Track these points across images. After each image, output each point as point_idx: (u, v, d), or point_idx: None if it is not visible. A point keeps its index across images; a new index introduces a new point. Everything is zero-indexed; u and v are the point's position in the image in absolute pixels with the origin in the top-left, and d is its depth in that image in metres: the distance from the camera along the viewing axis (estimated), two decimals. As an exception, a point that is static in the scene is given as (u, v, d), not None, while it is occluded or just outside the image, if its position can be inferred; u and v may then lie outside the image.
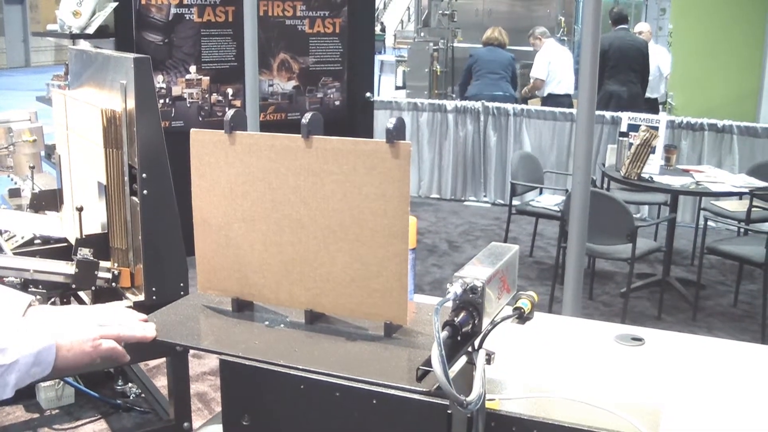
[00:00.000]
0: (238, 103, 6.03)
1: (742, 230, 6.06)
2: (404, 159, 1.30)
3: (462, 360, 1.09)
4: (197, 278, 1.53)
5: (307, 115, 1.39)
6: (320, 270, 1.40)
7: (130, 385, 3.72)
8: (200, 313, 1.50)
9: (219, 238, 1.47)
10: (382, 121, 8.21)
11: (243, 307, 1.49)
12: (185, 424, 2.98)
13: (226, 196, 1.45)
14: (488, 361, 1.08)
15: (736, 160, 7.21)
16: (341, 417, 1.17)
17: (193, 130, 1.48)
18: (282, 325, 1.42)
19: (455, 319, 1.06)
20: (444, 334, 1.04)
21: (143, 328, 1.39)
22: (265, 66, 6.13)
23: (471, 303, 1.09)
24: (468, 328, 1.08)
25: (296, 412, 1.23)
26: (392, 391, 1.15)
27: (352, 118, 6.79)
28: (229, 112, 1.44)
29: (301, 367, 1.24)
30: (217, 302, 1.52)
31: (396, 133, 1.31)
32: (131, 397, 3.68)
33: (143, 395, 3.63)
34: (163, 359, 3.44)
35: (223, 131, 1.43)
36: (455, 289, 1.09)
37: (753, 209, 5.83)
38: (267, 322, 1.43)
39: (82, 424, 3.51)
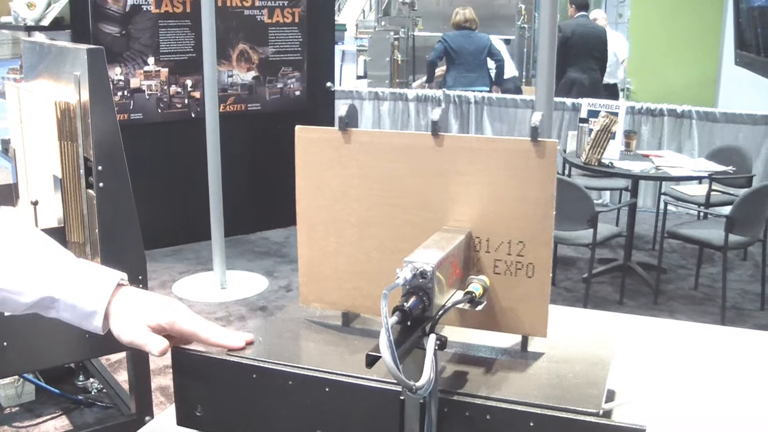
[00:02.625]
0: (197, 94, 5.99)
1: (701, 214, 6.13)
2: (550, 159, 1.21)
3: (414, 345, 1.08)
4: (299, 290, 1.40)
5: (437, 111, 1.27)
6: None
7: (91, 380, 3.69)
8: (305, 329, 1.37)
9: (327, 245, 1.36)
10: (344, 110, 8.18)
11: (352, 321, 1.39)
12: (147, 418, 2.97)
13: (337, 199, 1.34)
14: (441, 347, 1.06)
15: (695, 145, 7.29)
16: (294, 405, 1.15)
17: (298, 127, 1.35)
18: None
19: (405, 304, 1.05)
20: (393, 319, 1.03)
21: (231, 336, 1.25)
22: (224, 57, 6.09)
23: (421, 288, 1.08)
24: (419, 313, 1.07)
25: (249, 402, 1.21)
26: (345, 379, 1.14)
27: (313, 108, 6.78)
28: (343, 107, 1.33)
29: (253, 357, 1.21)
30: (319, 316, 1.41)
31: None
32: (93, 393, 3.66)
33: (105, 390, 3.61)
34: (124, 353, 3.41)
35: (333, 128, 1.33)
36: (405, 274, 1.08)
37: (712, 193, 5.91)
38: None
39: (43, 421, 3.48)
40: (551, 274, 1.25)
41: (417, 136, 1.28)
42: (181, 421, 1.27)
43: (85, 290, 1.24)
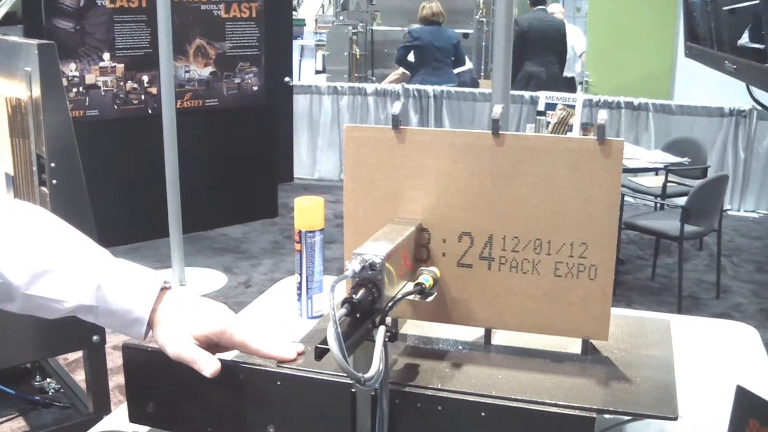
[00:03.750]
0: (154, 90, 5.92)
1: (658, 205, 6.20)
2: (616, 158, 1.19)
3: (363, 337, 1.08)
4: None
5: (497, 109, 1.24)
6: (507, 283, 1.27)
7: (48, 380, 3.65)
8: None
9: None
10: (303, 105, 8.19)
11: (401, 329, 1.36)
12: (105, 417, 2.93)
13: (388, 201, 1.29)
14: (391, 339, 1.07)
15: (651, 137, 7.37)
16: (246, 400, 1.14)
17: (348, 126, 1.31)
18: (461, 348, 1.30)
19: (354, 296, 1.05)
20: (341, 311, 1.03)
21: (283, 348, 1.19)
22: (180, 52, 6.03)
23: (370, 280, 1.07)
24: (368, 305, 1.07)
25: (201, 397, 1.19)
26: (296, 372, 1.13)
27: (271, 103, 6.74)
28: (396, 105, 1.28)
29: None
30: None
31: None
32: (50, 393, 3.61)
33: (62, 390, 3.57)
34: (81, 352, 3.37)
35: (386, 127, 1.28)
36: (353, 266, 1.07)
37: (668, 184, 5.98)
38: (440, 345, 1.31)
39: (-2, 423, 3.42)
40: (613, 276, 1.24)
41: (477, 135, 1.25)
42: (133, 418, 1.24)
43: (128, 297, 1.17)
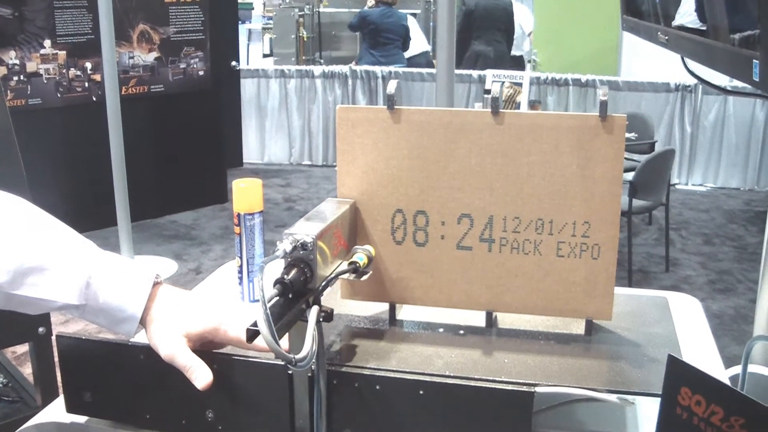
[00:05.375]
0: (98, 77, 5.79)
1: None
2: (619, 135, 1.17)
3: (296, 318, 1.05)
4: (340, 284, 1.31)
5: (496, 86, 1.23)
6: (508, 264, 1.24)
7: (-6, 375, 3.56)
8: (348, 326, 1.30)
9: (373, 233, 1.28)
10: (250, 89, 8.10)
11: (398, 314, 1.32)
12: (43, 409, 2.88)
13: (384, 183, 1.26)
14: (326, 319, 1.05)
15: (599, 114, 7.42)
16: (183, 385, 1.10)
17: (341, 107, 1.27)
18: (462, 332, 1.27)
19: (285, 277, 1.02)
20: (272, 292, 1.00)
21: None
22: (123, 38, 5.90)
23: (302, 260, 1.05)
24: (300, 285, 1.04)
25: (138, 384, 1.18)
26: (233, 355, 1.13)
27: (218, 88, 6.65)
28: (392, 84, 1.25)
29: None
30: (362, 309, 1.34)
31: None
32: (-3, 387, 3.53)
33: (10, 384, 3.50)
34: (28, 345, 3.30)
35: (380, 107, 1.24)
36: (284, 246, 1.05)
37: (617, 160, 6.01)
38: (441, 330, 1.28)
39: (-56, 420, 3.33)
40: (616, 255, 1.23)
41: (475, 114, 1.22)
42: (70, 408, 1.22)
43: (119, 295, 1.12)
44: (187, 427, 1.18)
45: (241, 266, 1.60)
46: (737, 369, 1.07)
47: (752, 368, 1.12)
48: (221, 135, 6.90)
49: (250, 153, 8.29)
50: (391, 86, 1.24)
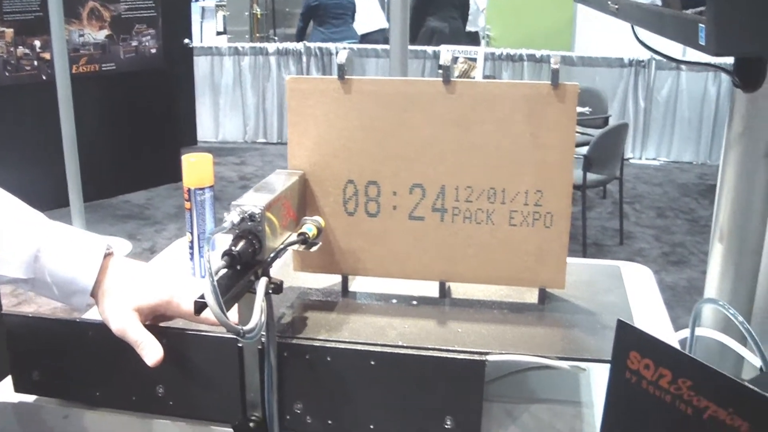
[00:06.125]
0: (47, 55, 5.68)
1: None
2: (570, 103, 1.17)
3: (244, 290, 1.05)
4: (293, 256, 1.30)
5: (447, 54, 1.20)
6: (461, 234, 1.23)
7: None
8: (300, 298, 1.28)
9: (325, 205, 1.26)
10: (204, 67, 8.02)
11: (351, 286, 1.31)
12: None
13: (336, 154, 1.24)
14: (275, 291, 1.04)
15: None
16: (133, 361, 1.08)
17: (291, 78, 1.24)
18: (415, 302, 1.26)
19: (233, 248, 1.02)
20: (220, 264, 0.99)
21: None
22: (73, 15, 5.79)
23: (250, 231, 1.04)
24: (249, 257, 1.03)
25: (87, 361, 1.16)
26: (183, 329, 1.12)
27: (171, 65, 6.57)
28: (342, 54, 1.22)
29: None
30: (314, 281, 1.32)
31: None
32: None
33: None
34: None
35: (331, 77, 1.22)
36: (232, 217, 1.04)
37: (572, 134, 6.05)
38: (394, 300, 1.27)
39: None
40: (570, 224, 1.23)
41: (427, 83, 1.20)
42: (18, 388, 1.20)
43: (69, 267, 1.09)
44: (138, 403, 1.17)
45: (192, 242, 1.58)
46: (687, 332, 1.08)
47: (702, 332, 1.13)
48: (174, 113, 6.82)
49: (204, 131, 8.22)
50: (342, 56, 1.22)
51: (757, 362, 1.00)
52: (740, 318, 0.97)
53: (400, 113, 1.21)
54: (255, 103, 8.24)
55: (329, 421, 1.11)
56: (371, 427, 1.09)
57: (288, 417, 1.11)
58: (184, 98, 7.31)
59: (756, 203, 1.47)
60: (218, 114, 8.29)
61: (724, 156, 1.54)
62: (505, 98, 1.18)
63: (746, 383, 0.75)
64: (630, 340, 0.86)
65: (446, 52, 1.21)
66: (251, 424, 1.09)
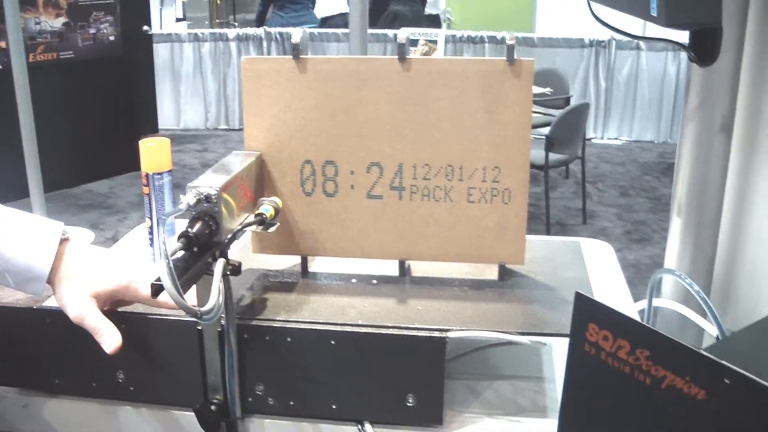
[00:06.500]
0: (2, 44, 5.60)
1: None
2: (526, 78, 1.17)
3: (201, 272, 1.04)
4: (251, 237, 1.29)
5: (404, 32, 1.19)
6: (419, 212, 1.23)
7: None
8: (260, 280, 1.27)
9: (282, 186, 1.25)
10: (164, 54, 7.94)
11: (310, 266, 1.31)
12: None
13: (292, 134, 1.22)
14: (234, 272, 1.03)
15: (514, 70, 7.48)
16: (92, 348, 1.07)
17: (246, 59, 1.23)
18: (375, 282, 1.26)
19: (190, 230, 1.01)
20: (176, 246, 0.99)
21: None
22: (29, 2, 5.70)
23: (207, 213, 1.04)
24: (206, 239, 1.03)
25: (45, 349, 1.16)
26: (141, 314, 1.12)
27: (130, 53, 6.50)
28: (297, 33, 1.20)
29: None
30: (274, 263, 1.31)
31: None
32: None
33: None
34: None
35: (286, 57, 1.21)
36: (188, 199, 1.03)
37: (533, 115, 6.06)
38: (354, 280, 1.26)
39: None
40: (528, 201, 1.23)
41: (382, 62, 1.20)
42: None
43: (25, 254, 1.07)
44: (98, 390, 1.16)
45: (151, 227, 1.57)
46: (645, 303, 1.09)
47: (660, 302, 1.15)
48: (135, 101, 6.75)
49: (165, 119, 8.14)
50: (296, 35, 1.21)
51: (714, 331, 1.01)
52: (696, 287, 0.97)
53: (356, 92, 1.20)
54: (216, 90, 8.18)
55: (291, 402, 1.10)
56: (333, 406, 1.09)
57: (250, 399, 1.11)
58: (144, 86, 7.23)
59: (713, 177, 1.49)
60: (179, 101, 8.22)
61: (682, 131, 1.55)
62: (461, 75, 1.18)
63: (702, 351, 0.76)
64: (588, 313, 0.87)
65: (403, 30, 1.20)
66: (213, 407, 1.09)
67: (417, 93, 1.19)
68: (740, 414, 0.73)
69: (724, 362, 0.73)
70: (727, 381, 0.74)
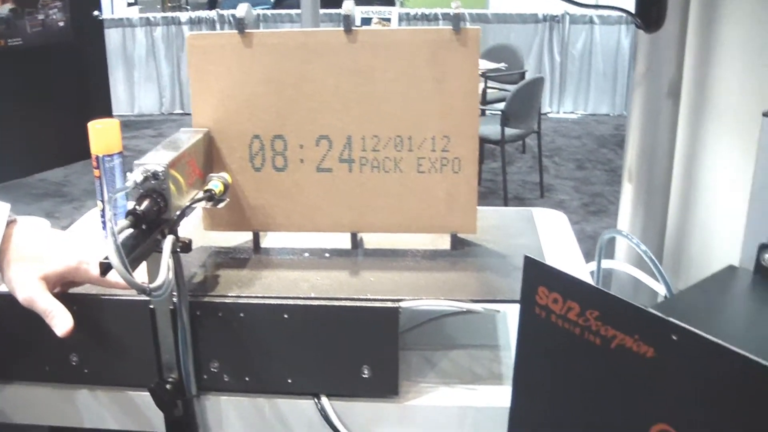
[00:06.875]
0: (-51, 32, 5.51)
1: (479, 112, 6.32)
2: (473, 47, 1.16)
3: (150, 249, 1.03)
4: (202, 214, 1.28)
5: (349, 3, 1.18)
6: (369, 184, 1.23)
7: None
8: (212, 257, 1.26)
9: (231, 162, 1.24)
10: (115, 39, 7.84)
11: (263, 242, 1.30)
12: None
13: (240, 110, 1.21)
14: (184, 249, 1.03)
15: (469, 46, 7.49)
16: (42, 331, 1.06)
17: (191, 35, 1.21)
18: (327, 255, 1.25)
19: (137, 207, 1.00)
20: (124, 223, 0.98)
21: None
22: (-26, -11, 5.62)
23: (155, 190, 1.03)
24: (154, 216, 1.02)
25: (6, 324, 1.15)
26: (92, 295, 1.11)
27: (80, 39, 6.41)
28: (241, 7, 1.19)
29: None
30: (226, 240, 1.30)
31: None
32: None
33: None
34: None
35: (231, 32, 1.20)
36: (135, 177, 1.02)
37: (488, 90, 6.10)
38: (307, 254, 1.26)
39: None
40: (479, 169, 1.22)
41: (328, 33, 1.19)
42: None
43: None
44: (52, 374, 1.15)
45: (103, 210, 1.55)
46: (609, 265, 1.10)
47: (611, 264, 1.16)
48: (87, 88, 6.67)
49: (120, 105, 8.06)
50: (241, 9, 1.20)
51: (662, 290, 1.02)
52: (643, 247, 0.98)
53: (303, 65, 1.20)
54: (170, 74, 8.11)
55: (246, 378, 1.10)
56: (289, 381, 1.09)
57: (205, 377, 1.10)
58: (96, 72, 7.15)
59: (662, 142, 1.50)
60: (133, 87, 8.14)
61: (631, 98, 1.56)
62: (407, 45, 1.18)
63: (649, 309, 0.76)
64: (538, 276, 0.87)
65: (348, 1, 1.19)
66: (168, 386, 1.08)
67: (364, 64, 1.19)
68: (689, 370, 0.74)
69: (671, 319, 0.74)
70: (674, 338, 0.74)
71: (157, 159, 1.04)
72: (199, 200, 1.11)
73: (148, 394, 1.08)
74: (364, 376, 1.07)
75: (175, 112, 8.25)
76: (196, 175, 1.15)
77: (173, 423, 1.12)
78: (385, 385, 1.08)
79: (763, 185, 0.94)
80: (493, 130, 5.23)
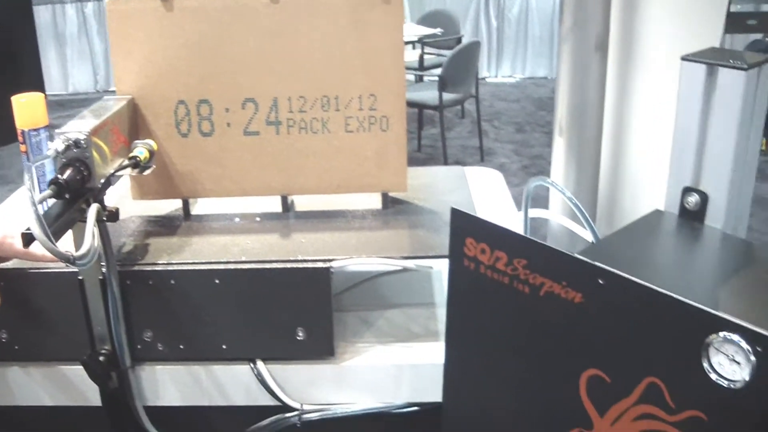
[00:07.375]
0: None
1: (417, 78, 6.32)
2: (397, 4, 1.16)
3: (74, 218, 1.01)
4: (131, 184, 1.26)
5: None
6: (298, 146, 1.22)
7: None
8: (141, 226, 1.23)
9: (156, 129, 1.21)
10: (45, 17, 7.67)
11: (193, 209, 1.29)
12: None
13: (163, 75, 1.19)
14: (111, 218, 1.01)
15: (406, 11, 7.45)
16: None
17: (109, 1, 1.19)
18: (258, 219, 1.24)
19: (60, 176, 0.98)
20: (46, 193, 0.96)
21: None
22: None
23: (77, 158, 1.01)
24: (78, 185, 1.00)
25: None
26: (19, 268, 1.09)
27: (8, 17, 6.26)
28: None
29: None
30: (155, 209, 1.28)
31: None
32: None
33: None
34: None
35: None
36: (56, 145, 1.01)
37: (425, 56, 6.09)
38: (237, 219, 1.24)
39: None
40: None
41: None
42: None
43: None
44: None
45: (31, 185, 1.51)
46: (536, 214, 1.10)
47: (538, 213, 1.16)
48: (17, 67, 6.52)
49: (53, 84, 7.89)
50: None
51: (589, 237, 1.03)
52: (568, 194, 0.99)
53: (225, 28, 1.18)
54: (103, 50, 7.95)
55: (181, 346, 1.09)
56: (224, 347, 1.09)
57: (139, 347, 1.10)
58: (26, 51, 6.99)
59: (591, 95, 1.51)
60: (66, 65, 7.97)
61: (559, 52, 1.56)
62: (330, 4, 1.17)
63: (575, 254, 0.77)
64: (465, 228, 0.87)
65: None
66: (101, 358, 1.07)
67: (286, 25, 1.18)
68: (616, 312, 0.75)
69: (597, 263, 0.74)
70: (601, 282, 0.75)
71: (78, 127, 1.02)
72: (124, 167, 1.09)
73: (81, 368, 1.06)
74: (299, 338, 1.07)
75: (110, 89, 8.10)
76: (120, 142, 1.13)
77: (109, 395, 1.11)
78: (320, 347, 1.08)
79: (684, 129, 0.95)
80: (431, 95, 5.23)
